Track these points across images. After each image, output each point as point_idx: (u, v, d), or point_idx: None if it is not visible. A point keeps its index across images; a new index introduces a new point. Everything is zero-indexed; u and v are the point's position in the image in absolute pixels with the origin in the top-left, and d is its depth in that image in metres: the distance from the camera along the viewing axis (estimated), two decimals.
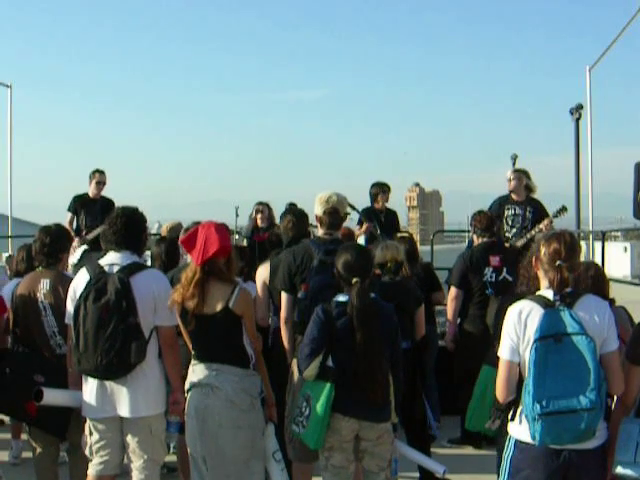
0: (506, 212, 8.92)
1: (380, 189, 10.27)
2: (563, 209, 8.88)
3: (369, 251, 5.26)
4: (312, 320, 4.73)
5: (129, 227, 5.12)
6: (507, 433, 4.34)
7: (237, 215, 12.00)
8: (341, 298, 4.74)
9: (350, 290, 4.67)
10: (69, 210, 10.65)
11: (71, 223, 10.54)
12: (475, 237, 7.83)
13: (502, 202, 9.05)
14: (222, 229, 4.82)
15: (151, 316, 4.92)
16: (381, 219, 10.21)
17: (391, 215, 10.47)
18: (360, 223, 10.17)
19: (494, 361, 4.73)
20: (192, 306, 4.67)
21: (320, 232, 5.69)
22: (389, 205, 10.47)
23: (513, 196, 9.01)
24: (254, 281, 6.31)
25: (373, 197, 10.29)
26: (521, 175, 9.13)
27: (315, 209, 5.68)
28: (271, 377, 5.07)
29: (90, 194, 10.65)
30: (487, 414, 4.70)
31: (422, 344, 6.77)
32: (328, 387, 4.59)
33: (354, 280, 4.66)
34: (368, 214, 10.20)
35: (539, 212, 8.97)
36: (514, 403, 4.09)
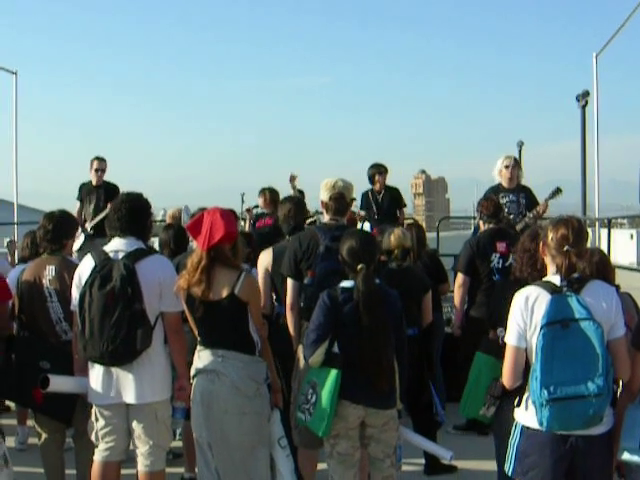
0: (501, 200, 8.91)
1: (377, 170, 10.46)
2: (558, 191, 8.84)
3: (373, 237, 5.24)
4: (318, 306, 4.71)
5: (134, 213, 5.10)
6: (503, 420, 4.34)
7: (243, 202, 11.99)
8: (346, 284, 4.72)
9: (355, 276, 4.66)
10: (78, 199, 10.70)
11: (80, 212, 10.57)
12: (481, 223, 7.81)
13: (495, 191, 9.01)
14: (228, 215, 4.81)
15: (156, 302, 4.91)
16: (378, 200, 10.41)
17: (391, 193, 10.62)
18: (362, 208, 10.44)
19: (488, 348, 4.73)
20: (198, 292, 4.66)
21: (326, 218, 5.68)
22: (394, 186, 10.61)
23: (505, 184, 8.97)
24: None
25: (371, 179, 10.49)
26: (515, 163, 9.11)
27: (321, 195, 5.67)
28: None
29: (93, 181, 10.68)
30: (481, 401, 4.69)
31: (429, 331, 6.77)
32: (335, 374, 4.57)
33: (359, 266, 4.65)
34: (366, 198, 10.47)
35: (531, 198, 8.98)
36: (519, 389, 4.09)
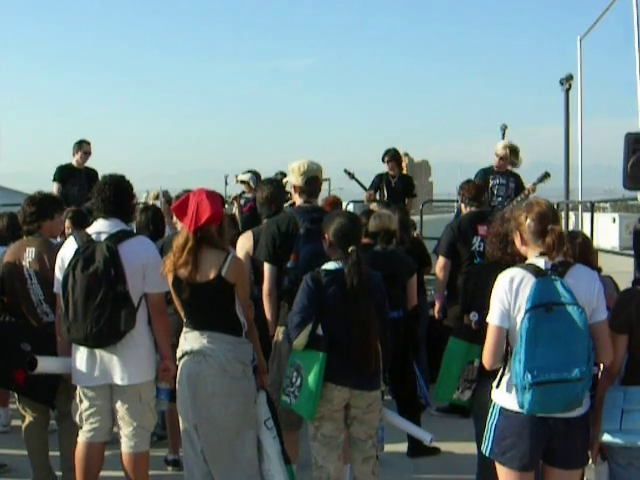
0: (491, 182, 9.06)
1: (386, 155, 10.63)
2: (546, 175, 8.98)
3: (359, 218, 5.26)
4: (301, 289, 4.71)
5: (117, 195, 5.10)
6: (482, 402, 4.36)
7: (226, 184, 11.96)
8: (330, 266, 4.73)
9: (347, 259, 4.65)
10: (55, 180, 10.57)
11: (61, 192, 10.48)
12: (463, 206, 7.85)
13: (486, 172, 9.19)
14: (214, 196, 4.80)
15: (140, 283, 4.92)
16: (391, 184, 10.57)
17: (403, 180, 10.82)
18: (371, 189, 10.63)
19: (461, 333, 4.76)
20: (185, 274, 4.65)
21: (299, 201, 5.66)
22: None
23: (496, 167, 9.14)
24: None
25: (384, 162, 10.67)
26: (512, 152, 9.21)
27: (292, 179, 5.64)
28: None
29: (75, 164, 10.59)
30: (454, 385, 4.72)
31: (414, 314, 6.80)
32: (321, 357, 4.58)
33: (350, 249, 4.65)
34: (378, 179, 10.65)
35: (520, 184, 9.15)
36: (497, 370, 4.12)
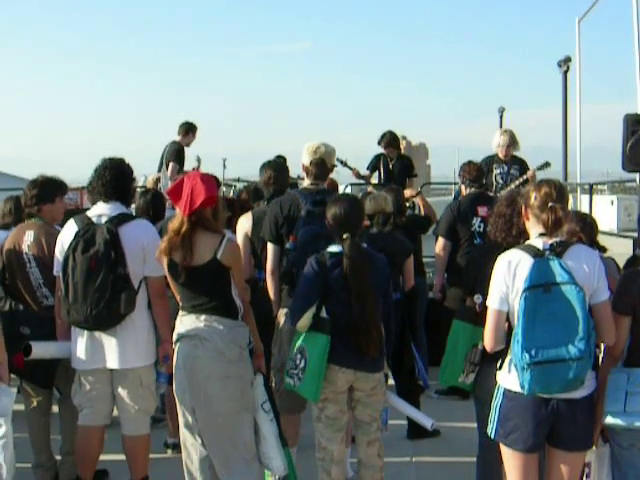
0: (495, 170, 9.06)
1: (382, 139, 10.61)
2: (546, 164, 9.04)
3: (360, 202, 5.26)
4: (305, 271, 4.71)
5: (117, 178, 5.11)
6: (484, 384, 4.36)
7: (225, 167, 11.92)
8: (334, 249, 4.72)
9: (343, 243, 4.66)
10: (177, 161, 10.51)
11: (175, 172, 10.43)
12: (463, 188, 7.85)
13: (488, 162, 9.16)
14: (208, 179, 4.77)
15: (140, 266, 4.93)
16: (389, 166, 10.57)
17: (403, 161, 10.79)
18: (369, 169, 10.70)
19: (465, 315, 4.75)
20: (180, 257, 4.64)
21: (306, 182, 5.67)
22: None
23: (500, 155, 9.14)
24: None
25: (382, 144, 10.65)
26: (511, 141, 9.20)
27: (302, 158, 5.66)
28: None
29: (185, 146, 10.60)
30: (460, 368, 4.72)
31: (411, 295, 6.79)
32: (324, 339, 4.59)
33: (345, 235, 4.65)
34: (376, 160, 10.67)
35: (524, 169, 9.15)
36: (500, 353, 4.12)
